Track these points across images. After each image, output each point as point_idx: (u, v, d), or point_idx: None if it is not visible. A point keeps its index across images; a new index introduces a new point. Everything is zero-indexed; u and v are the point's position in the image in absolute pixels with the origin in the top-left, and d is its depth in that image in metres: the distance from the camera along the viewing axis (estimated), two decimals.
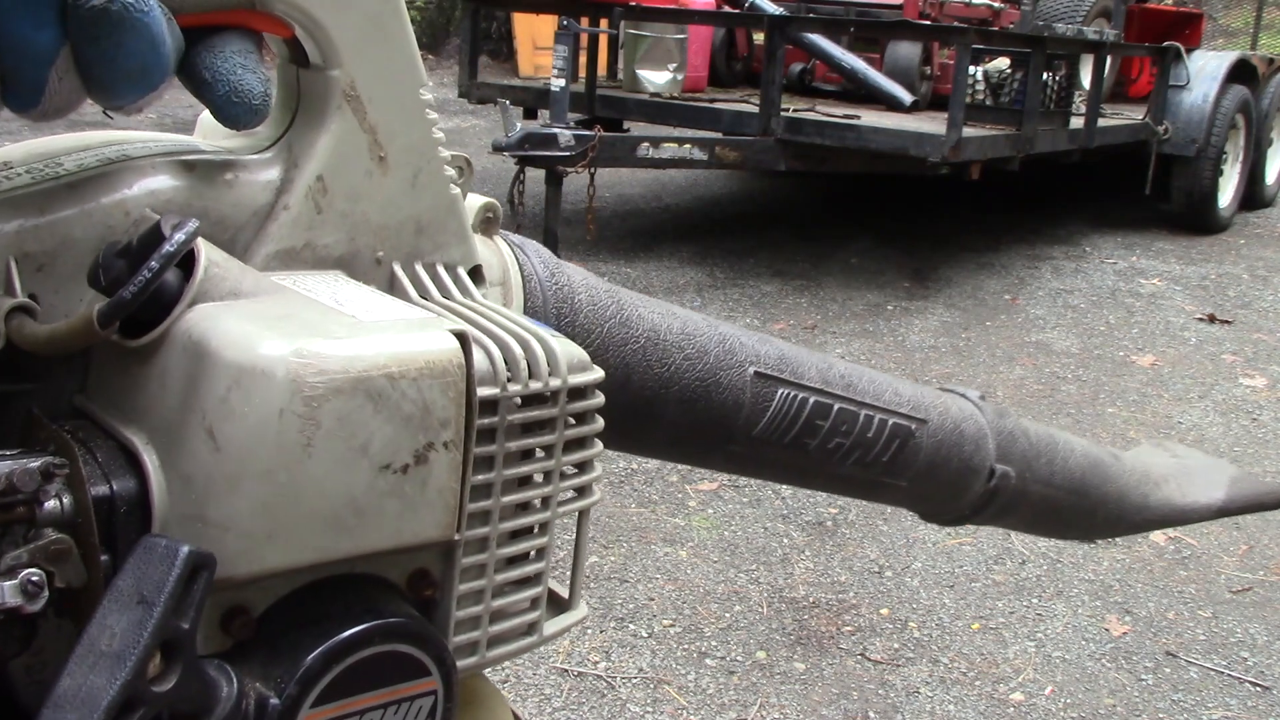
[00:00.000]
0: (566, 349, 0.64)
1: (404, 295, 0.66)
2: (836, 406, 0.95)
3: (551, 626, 0.68)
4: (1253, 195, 8.39)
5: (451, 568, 0.60)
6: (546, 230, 5.40)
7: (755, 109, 6.02)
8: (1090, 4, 7.78)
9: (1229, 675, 2.78)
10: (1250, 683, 2.76)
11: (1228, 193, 7.93)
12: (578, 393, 0.64)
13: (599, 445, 0.67)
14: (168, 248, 0.53)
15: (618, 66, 7.03)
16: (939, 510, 1.15)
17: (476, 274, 0.72)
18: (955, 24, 7.14)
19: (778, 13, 6.47)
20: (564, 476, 0.65)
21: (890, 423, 0.99)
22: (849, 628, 2.87)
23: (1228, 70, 7.57)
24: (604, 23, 6.52)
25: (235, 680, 0.52)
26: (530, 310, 0.78)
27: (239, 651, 0.54)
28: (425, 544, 0.58)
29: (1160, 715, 2.62)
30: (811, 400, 0.93)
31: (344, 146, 0.64)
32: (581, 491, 0.67)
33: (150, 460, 0.53)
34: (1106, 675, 2.75)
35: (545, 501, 0.64)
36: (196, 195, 0.62)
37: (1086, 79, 6.99)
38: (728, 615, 2.90)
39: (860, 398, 0.97)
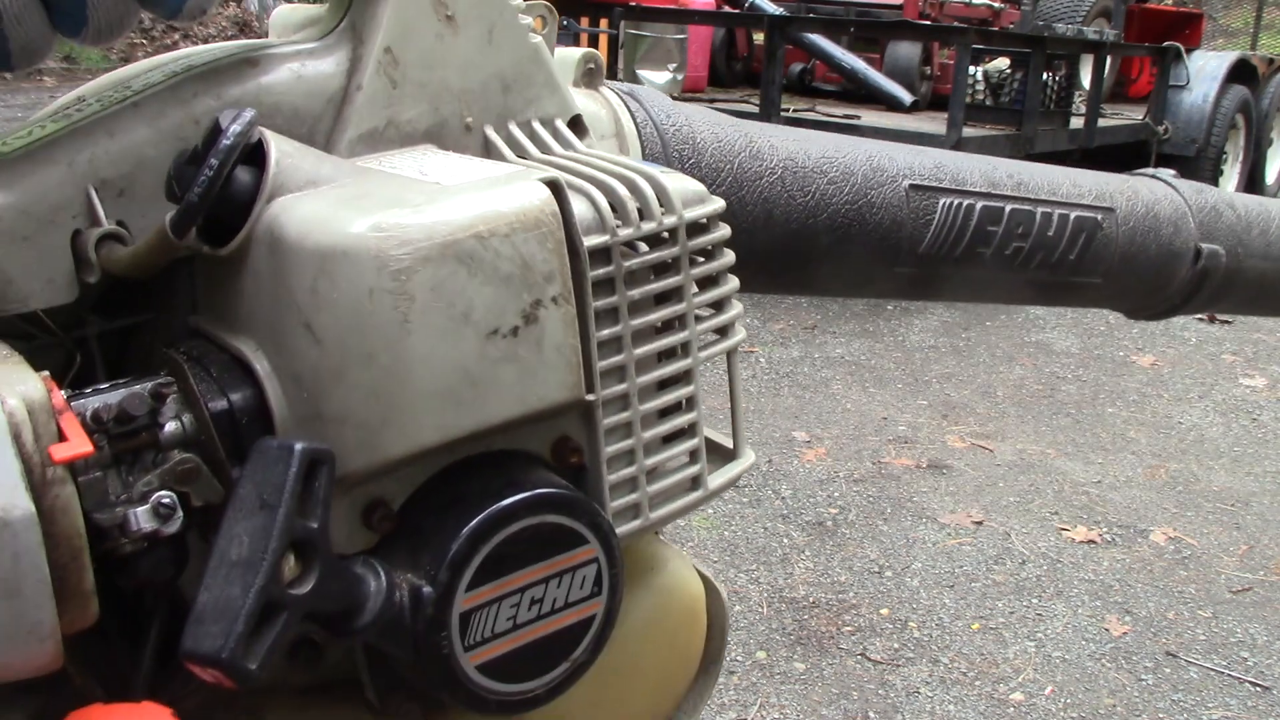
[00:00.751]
0: (678, 184, 0.60)
1: (500, 157, 0.63)
2: (1009, 208, 0.88)
3: (717, 478, 0.65)
4: None
5: (594, 430, 0.58)
6: None
7: (755, 109, 6.01)
8: (1090, 4, 7.78)
9: (1229, 675, 2.78)
10: (1250, 683, 2.76)
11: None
12: (698, 228, 0.60)
13: (733, 281, 0.63)
14: (225, 141, 0.51)
15: (618, 66, 7.03)
16: (1145, 304, 1.05)
17: (577, 124, 0.68)
18: (955, 24, 7.14)
19: (778, 13, 6.47)
20: (700, 319, 0.62)
21: (1073, 216, 0.91)
22: (849, 628, 2.87)
23: (1228, 70, 7.57)
24: (604, 23, 6.52)
25: (384, 574, 0.51)
26: (649, 156, 0.74)
27: (385, 546, 0.53)
28: (555, 407, 0.55)
29: (1160, 715, 2.62)
30: (979, 206, 0.86)
31: (407, 13, 0.61)
32: (723, 332, 0.64)
33: (261, 367, 0.52)
34: (1106, 675, 2.75)
35: (685, 348, 0.61)
36: (265, 92, 0.59)
37: (1086, 79, 6.99)
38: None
39: (1035, 194, 0.90)
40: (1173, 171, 1.06)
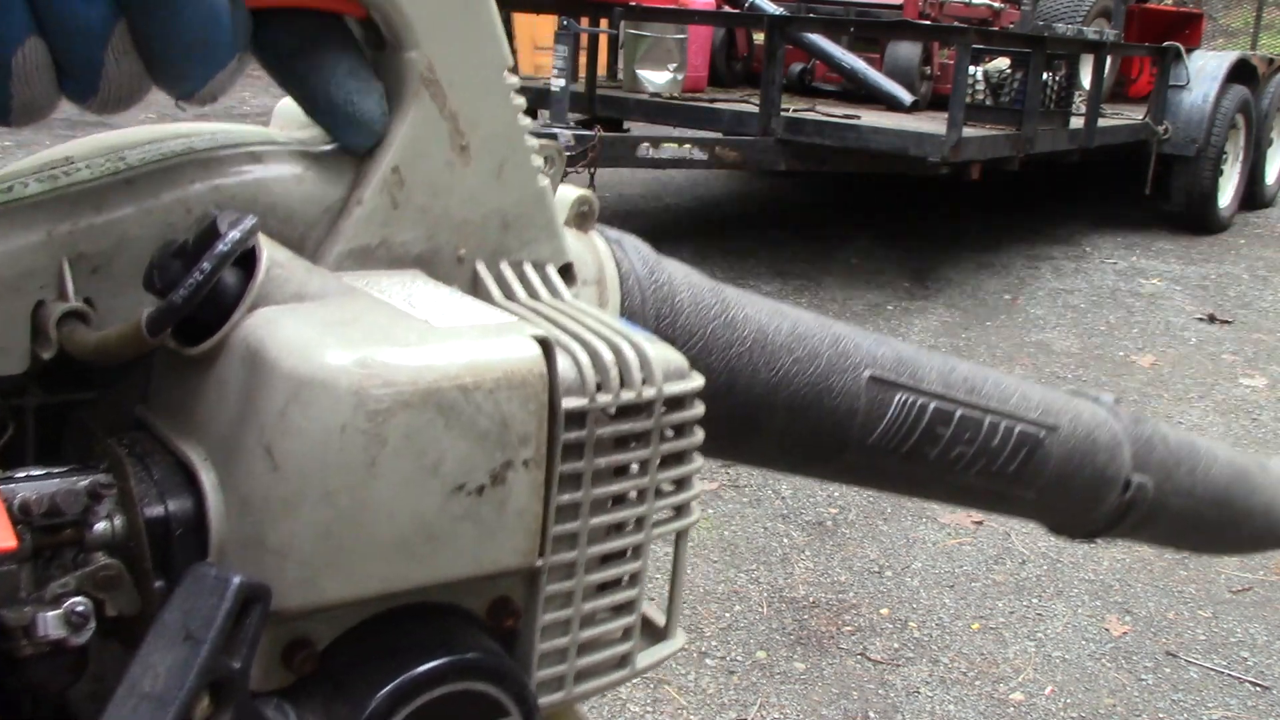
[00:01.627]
0: (663, 354, 0.58)
1: (487, 296, 0.61)
2: (959, 412, 0.89)
3: (646, 658, 0.62)
4: (1253, 195, 8.40)
5: (535, 596, 0.55)
6: None
7: (755, 109, 6.01)
8: (1090, 4, 7.79)
9: (1229, 675, 2.78)
10: (1250, 683, 2.76)
11: (1228, 193, 7.93)
12: (675, 402, 0.58)
13: (698, 460, 0.61)
14: (221, 247, 0.49)
15: (618, 66, 7.03)
16: (1070, 523, 1.08)
17: (568, 272, 0.66)
18: (955, 24, 7.14)
19: (778, 13, 6.47)
20: (660, 494, 0.60)
21: (1017, 429, 0.92)
22: (849, 628, 2.87)
23: (1228, 70, 7.57)
24: (604, 23, 6.52)
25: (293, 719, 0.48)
26: (627, 310, 0.73)
27: (301, 689, 0.50)
28: (504, 572, 0.53)
29: (1160, 715, 2.62)
30: (932, 406, 0.87)
31: (422, 135, 0.59)
32: (680, 510, 0.61)
33: (208, 479, 0.49)
34: (1106, 675, 2.75)
35: (639, 522, 0.59)
36: (264, 190, 0.57)
37: (1086, 79, 7.00)
38: (728, 615, 2.90)
39: (985, 403, 0.91)
40: (1114, 397, 1.09)
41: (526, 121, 0.63)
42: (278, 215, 0.57)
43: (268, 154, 0.58)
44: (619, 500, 0.58)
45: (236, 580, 0.44)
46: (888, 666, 2.72)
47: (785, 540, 3.30)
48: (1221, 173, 7.69)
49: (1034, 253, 6.92)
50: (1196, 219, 7.70)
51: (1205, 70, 7.57)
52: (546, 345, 0.52)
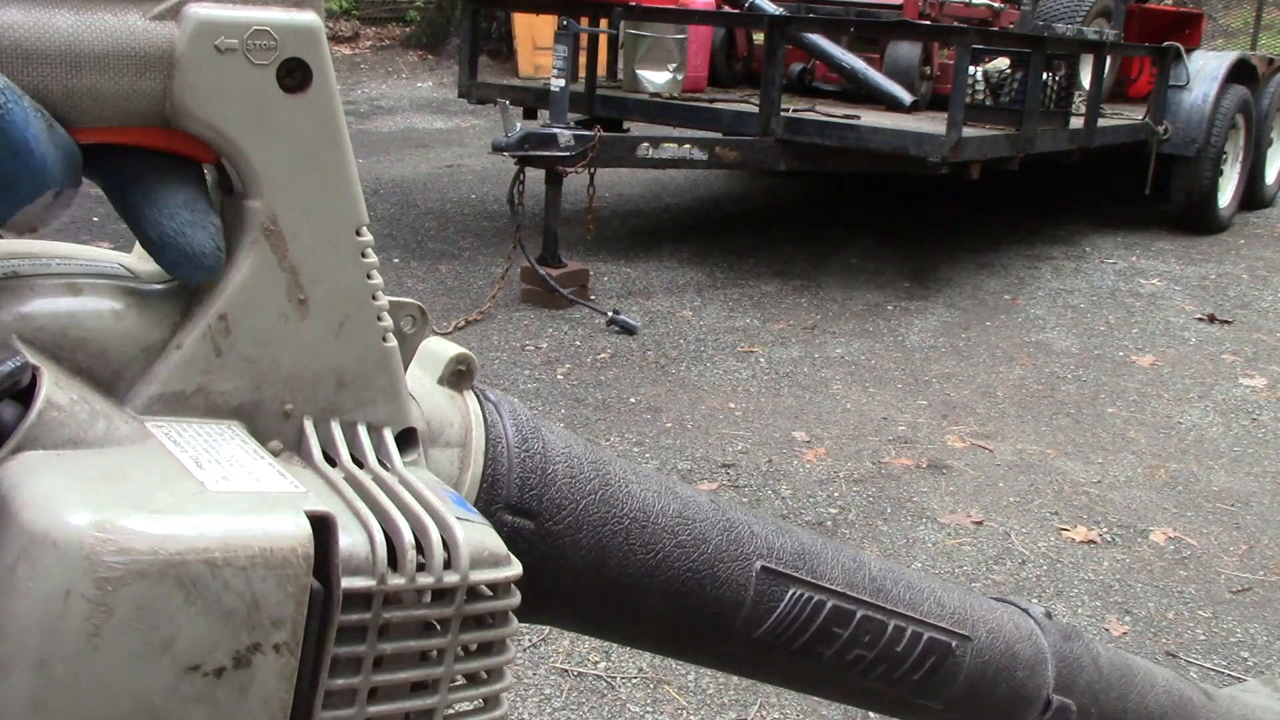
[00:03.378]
0: (474, 539, 0.55)
1: (308, 456, 0.59)
2: (860, 613, 0.84)
3: None
4: (1253, 195, 8.40)
5: None
6: (546, 230, 5.40)
7: (755, 109, 6.01)
8: (1090, 4, 7.78)
9: (1229, 675, 2.77)
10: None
11: (1228, 193, 7.93)
12: (479, 592, 0.55)
13: (508, 652, 0.58)
14: None
15: (618, 66, 7.03)
16: None
17: (409, 437, 0.63)
18: (955, 24, 7.14)
19: (778, 13, 6.47)
20: (460, 687, 0.56)
21: (926, 636, 0.88)
22: None
23: (1228, 70, 7.57)
24: (604, 23, 6.52)
25: None
26: (490, 476, 0.69)
27: None
28: None
29: None
30: (829, 604, 0.83)
31: (256, 285, 0.56)
32: (487, 703, 0.58)
33: None
34: None
35: (429, 714, 0.55)
36: (74, 324, 0.54)
37: (1086, 79, 7.00)
38: None
39: (892, 605, 0.86)
40: (1045, 610, 1.03)
41: (377, 280, 0.60)
42: (89, 350, 0.54)
43: (87, 287, 0.56)
44: (400, 693, 0.54)
45: None
46: None
47: None
48: (1221, 173, 7.69)
49: (1034, 253, 6.92)
50: (1196, 219, 7.70)
51: (1205, 70, 7.57)
52: (324, 522, 0.50)
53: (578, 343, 4.84)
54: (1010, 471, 3.86)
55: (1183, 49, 7.60)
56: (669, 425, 4.03)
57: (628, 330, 4.97)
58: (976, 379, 4.75)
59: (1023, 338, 5.35)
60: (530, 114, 6.60)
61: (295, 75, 0.54)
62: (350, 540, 0.51)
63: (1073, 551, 3.33)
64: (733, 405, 4.28)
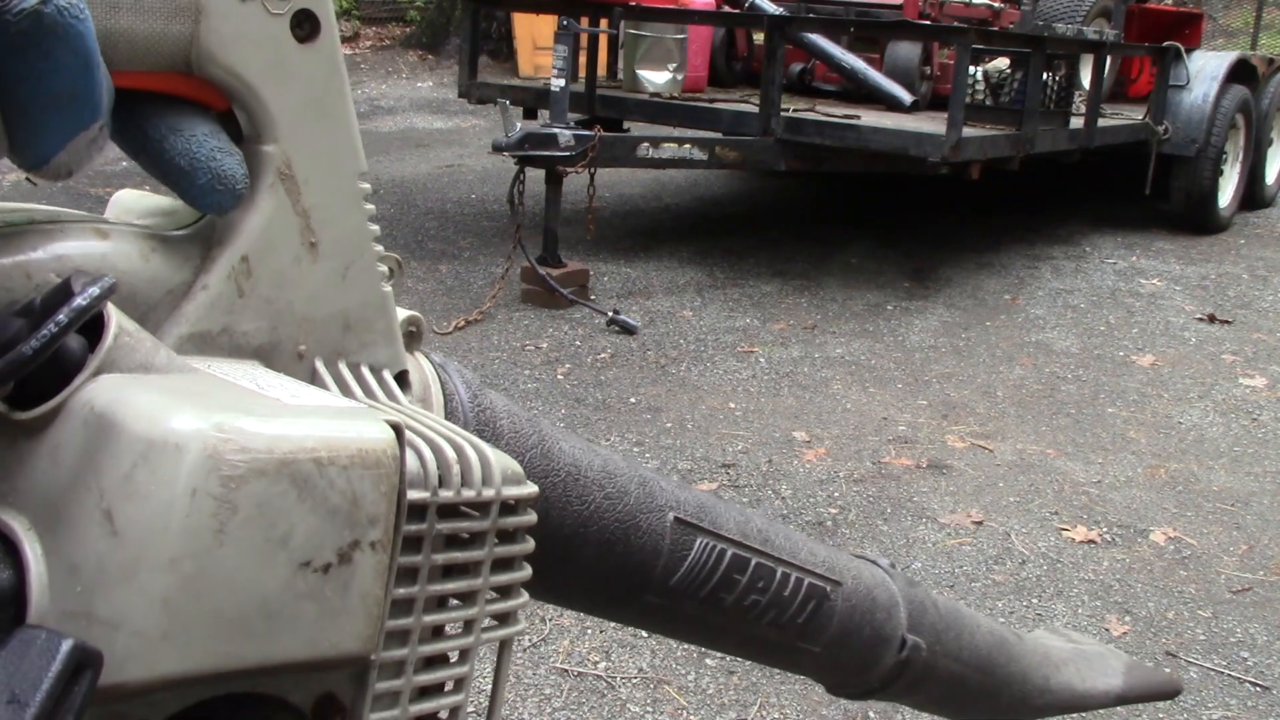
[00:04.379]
0: (502, 460, 0.58)
1: None
2: (754, 561, 0.90)
3: None
4: (1253, 195, 8.40)
5: (363, 693, 0.53)
6: (546, 230, 5.40)
7: (755, 109, 6.01)
8: (1090, 4, 7.78)
9: (1229, 675, 2.78)
10: (1250, 683, 2.76)
11: (1228, 193, 7.93)
12: (510, 507, 0.58)
13: (527, 569, 0.60)
14: (79, 301, 0.47)
15: (618, 66, 7.03)
16: (847, 680, 1.12)
17: (403, 379, 0.66)
18: (955, 24, 7.14)
19: (778, 13, 6.47)
20: (491, 600, 0.59)
21: (806, 582, 0.94)
22: None
23: (1228, 70, 7.57)
24: (604, 23, 6.52)
25: None
26: None
27: None
28: (342, 658, 0.51)
29: (1160, 715, 2.62)
30: (730, 552, 0.88)
31: (274, 228, 0.58)
32: (504, 619, 0.60)
33: (31, 549, 0.46)
34: None
35: (469, 625, 0.58)
36: (108, 266, 0.56)
37: (1086, 79, 6.99)
38: None
39: (777, 554, 0.93)
40: (889, 561, 1.12)
41: (374, 228, 0.62)
42: (121, 293, 0.55)
43: (114, 231, 0.57)
44: (448, 600, 0.57)
45: (69, 643, 0.42)
46: None
47: None
48: (1221, 173, 7.69)
49: (1034, 253, 6.92)
50: (1196, 219, 7.70)
51: (1205, 70, 7.56)
52: (400, 431, 0.52)
53: (578, 343, 4.84)
54: (1010, 471, 3.86)
55: (1183, 49, 7.60)
56: (669, 425, 4.03)
57: (628, 330, 4.97)
58: (976, 379, 4.75)
59: (1023, 338, 5.35)
60: (530, 114, 6.61)
61: (305, 25, 0.56)
62: (413, 457, 0.54)
63: (1073, 551, 3.33)
64: (733, 405, 4.28)
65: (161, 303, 0.57)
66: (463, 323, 4.93)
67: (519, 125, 5.21)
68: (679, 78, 6.73)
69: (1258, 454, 4.17)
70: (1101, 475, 3.89)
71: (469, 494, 0.56)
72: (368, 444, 0.50)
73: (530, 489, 0.59)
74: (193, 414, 0.46)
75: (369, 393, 0.63)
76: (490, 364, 4.51)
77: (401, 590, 0.54)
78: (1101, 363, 5.08)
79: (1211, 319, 5.82)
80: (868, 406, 4.35)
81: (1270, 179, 8.77)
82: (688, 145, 5.67)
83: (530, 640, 2.71)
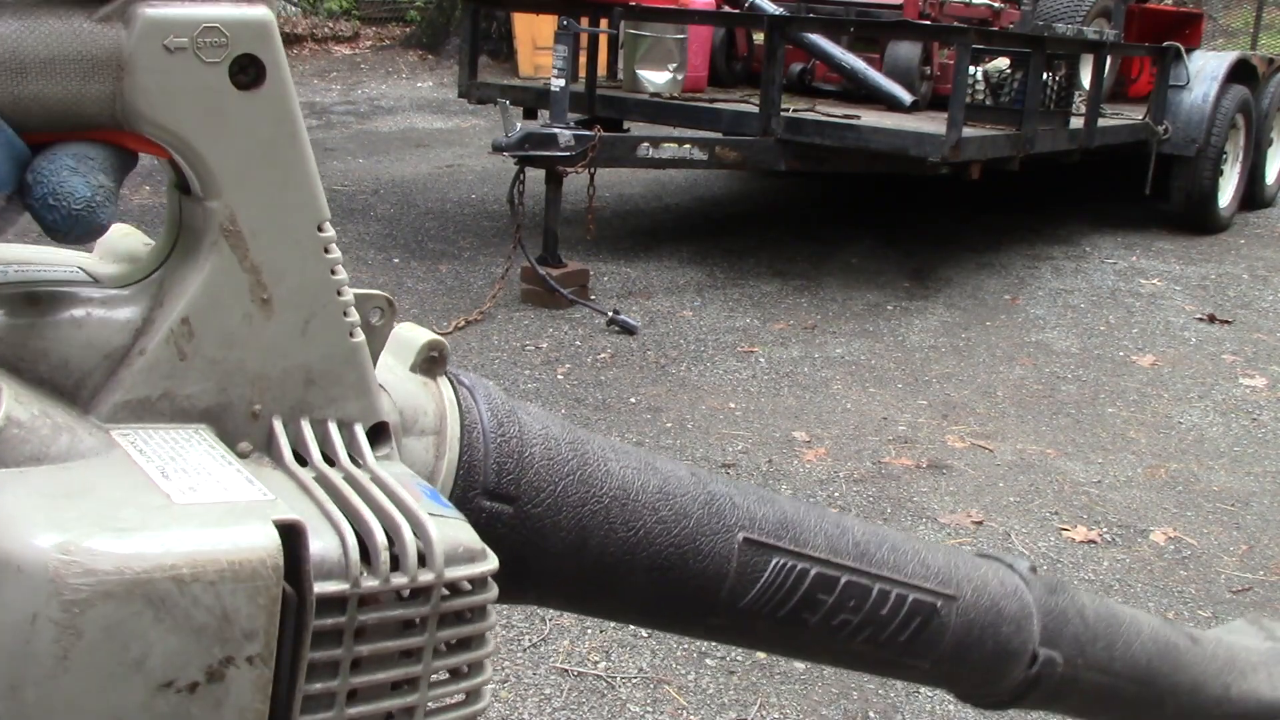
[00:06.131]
0: (448, 535, 0.55)
1: (278, 456, 0.58)
2: (844, 579, 0.85)
3: None
4: (1253, 195, 8.40)
5: None
6: (546, 230, 5.40)
7: (755, 109, 6.01)
8: (1090, 4, 7.78)
9: None
10: None
11: (1228, 193, 7.93)
12: (458, 587, 0.55)
13: (488, 645, 0.57)
14: None
15: (618, 66, 7.03)
16: (973, 693, 1.04)
17: (380, 432, 0.63)
18: (955, 24, 7.14)
19: (778, 13, 6.47)
20: (441, 683, 0.56)
21: (910, 598, 0.88)
22: None
23: (1228, 70, 7.57)
24: (604, 23, 6.52)
25: None
26: (466, 463, 0.69)
27: None
28: None
29: None
30: (813, 571, 0.83)
31: (218, 287, 0.55)
32: (469, 697, 0.57)
33: None
34: None
35: (409, 713, 0.55)
36: (36, 334, 0.53)
37: (1086, 79, 6.99)
38: None
39: (876, 569, 0.87)
40: (1031, 564, 1.05)
41: (342, 275, 0.59)
42: (50, 361, 0.54)
43: (48, 298, 0.54)
44: (380, 693, 0.54)
45: None
46: None
47: None
48: (1221, 173, 7.69)
49: (1034, 253, 6.92)
50: (1196, 219, 7.70)
51: (1205, 70, 7.56)
52: (295, 530, 0.49)
53: (578, 343, 4.84)
54: (1010, 471, 3.86)
55: (1183, 49, 7.60)
56: (669, 425, 4.03)
57: (628, 330, 4.97)
58: (976, 379, 4.75)
59: (1023, 338, 5.35)
60: (530, 114, 6.60)
61: (249, 72, 0.53)
62: (322, 544, 0.51)
63: (1073, 551, 3.33)
64: (733, 405, 4.28)
65: (97, 367, 0.54)
66: (463, 323, 4.93)
67: (519, 125, 5.21)
68: (679, 78, 6.73)
69: (1258, 454, 4.17)
70: (1101, 475, 3.89)
71: (399, 580, 0.52)
72: (242, 554, 0.47)
73: (485, 566, 0.55)
74: (43, 531, 0.44)
75: (330, 453, 0.59)
76: (490, 364, 4.51)
77: (317, 685, 0.51)
78: (1101, 363, 5.08)
79: (1211, 319, 5.82)
80: (868, 406, 4.35)
81: (1270, 179, 8.77)
82: (688, 145, 5.67)
83: (530, 640, 2.71)
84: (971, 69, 5.82)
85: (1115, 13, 8.07)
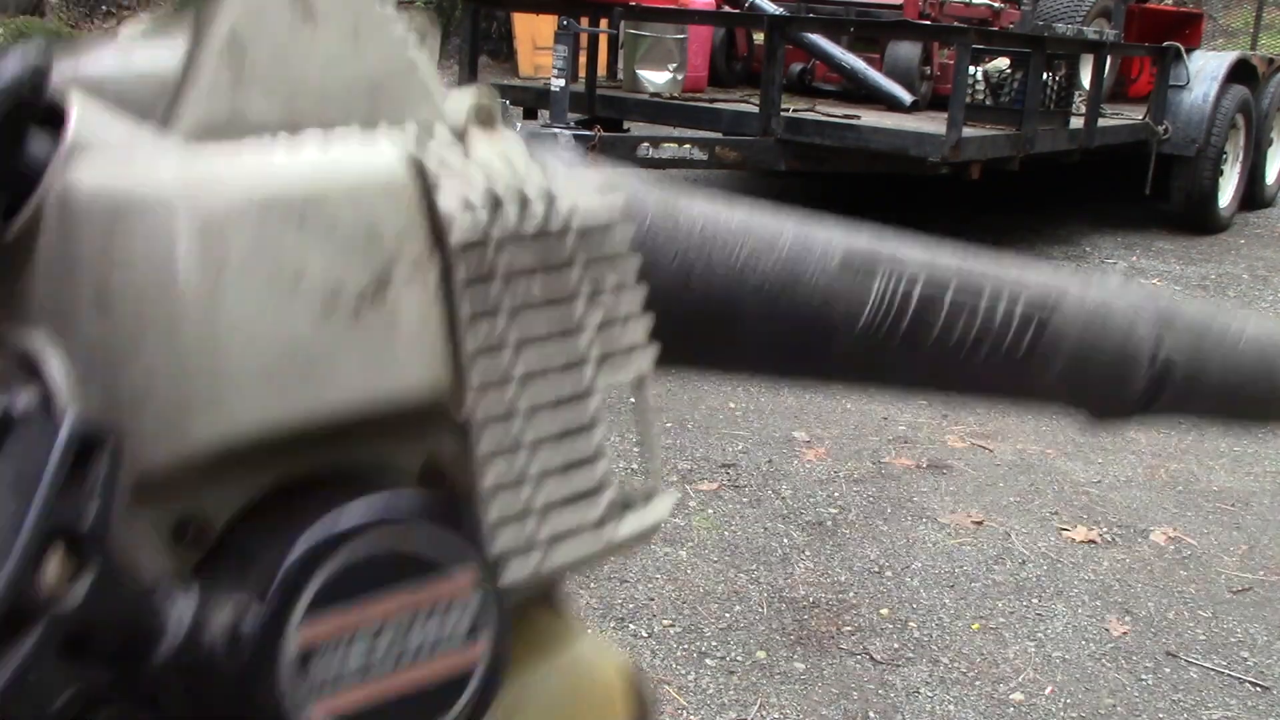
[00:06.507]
0: (569, 173, 0.53)
1: None
2: (949, 294, 0.81)
3: (628, 525, 0.56)
4: (1253, 195, 8.39)
5: (471, 452, 0.49)
6: None
7: (755, 109, 6.02)
8: (1090, 4, 7.79)
9: (1229, 675, 2.78)
10: (1250, 683, 2.76)
11: (1228, 193, 7.93)
12: (591, 223, 0.53)
13: (638, 291, 0.55)
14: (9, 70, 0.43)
15: (618, 66, 7.03)
16: (1103, 408, 0.98)
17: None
18: (955, 24, 7.14)
19: (778, 13, 6.47)
20: (597, 331, 0.54)
21: (1020, 306, 0.85)
22: (849, 628, 2.87)
23: (1228, 70, 7.57)
24: (604, 23, 6.52)
25: (192, 598, 0.41)
26: None
27: (202, 573, 0.44)
28: (413, 402, 0.46)
29: (1160, 715, 2.62)
30: (918, 287, 0.80)
31: (256, 2, 0.53)
32: (629, 351, 0.55)
33: (52, 359, 0.43)
34: (1106, 675, 2.75)
35: (578, 363, 0.53)
36: (82, 75, 0.52)
37: (1086, 79, 6.99)
38: (728, 615, 2.90)
39: (977, 282, 0.84)
40: (1121, 277, 1.03)
41: None
42: (106, 95, 0.52)
43: (85, 47, 0.54)
44: (546, 340, 0.52)
45: (69, 418, 0.38)
46: (888, 667, 2.72)
47: (785, 540, 3.30)
48: (1221, 173, 7.69)
49: (1034, 253, 6.92)
50: (1196, 219, 7.70)
51: (1205, 70, 7.57)
52: (419, 169, 0.47)
53: None
54: (1010, 471, 3.86)
55: (1183, 49, 7.60)
56: (669, 425, 4.03)
57: None
58: None
59: None
60: (530, 114, 6.60)
61: None
62: (447, 190, 0.49)
63: (1073, 551, 3.33)
64: (733, 405, 4.28)
65: (156, 101, 0.53)
66: None
67: (519, 125, 5.21)
68: (679, 78, 6.73)
69: (1258, 454, 4.17)
70: (1101, 475, 3.89)
71: (533, 220, 0.51)
72: (372, 164, 0.46)
73: (613, 200, 0.54)
74: (159, 166, 0.43)
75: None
76: None
77: (481, 336, 0.49)
78: None
79: None
80: (868, 406, 4.35)
81: (1270, 179, 8.77)
82: (688, 145, 5.67)
83: None
84: (971, 69, 5.82)
85: (1115, 13, 8.07)
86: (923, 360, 0.83)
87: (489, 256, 0.50)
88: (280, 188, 0.44)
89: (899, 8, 7.53)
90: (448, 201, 0.49)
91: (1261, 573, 3.29)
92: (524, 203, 0.51)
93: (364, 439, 0.46)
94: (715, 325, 0.73)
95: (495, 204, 0.50)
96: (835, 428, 4.13)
